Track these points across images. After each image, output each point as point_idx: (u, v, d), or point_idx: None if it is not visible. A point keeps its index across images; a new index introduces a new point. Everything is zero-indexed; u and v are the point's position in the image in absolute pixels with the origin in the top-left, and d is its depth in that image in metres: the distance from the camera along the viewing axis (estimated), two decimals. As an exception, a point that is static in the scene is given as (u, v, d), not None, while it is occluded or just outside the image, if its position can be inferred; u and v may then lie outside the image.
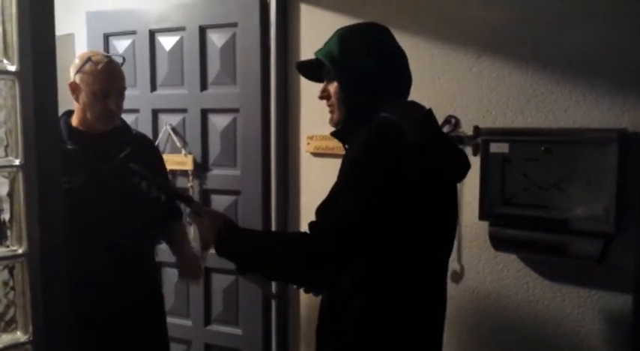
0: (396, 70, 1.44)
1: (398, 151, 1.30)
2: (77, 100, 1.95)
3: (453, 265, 2.25)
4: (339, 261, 1.26)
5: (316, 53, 1.47)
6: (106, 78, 1.93)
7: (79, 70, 1.93)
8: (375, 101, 1.39)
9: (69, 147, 1.92)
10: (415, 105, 1.45)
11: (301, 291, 2.21)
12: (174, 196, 1.80)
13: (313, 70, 1.52)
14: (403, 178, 1.29)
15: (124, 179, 1.97)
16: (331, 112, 1.48)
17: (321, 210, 1.31)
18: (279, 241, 1.40)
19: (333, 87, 1.44)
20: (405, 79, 1.47)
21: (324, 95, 1.48)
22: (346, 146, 1.52)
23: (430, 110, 1.43)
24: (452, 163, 1.46)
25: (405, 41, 2.25)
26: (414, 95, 1.52)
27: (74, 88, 1.94)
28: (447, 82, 2.28)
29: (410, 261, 1.36)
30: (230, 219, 1.48)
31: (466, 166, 1.50)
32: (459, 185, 1.56)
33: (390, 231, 1.29)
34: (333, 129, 1.51)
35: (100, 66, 1.93)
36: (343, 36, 1.44)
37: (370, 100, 1.40)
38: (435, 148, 1.39)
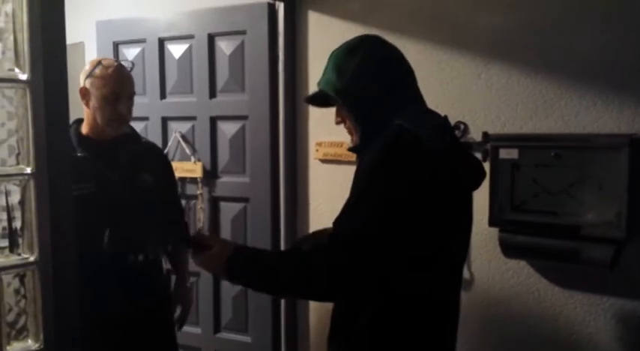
0: (397, 76, 1.42)
1: (413, 158, 1.29)
2: (87, 105, 1.96)
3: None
4: (361, 271, 1.24)
5: (318, 84, 1.47)
6: (116, 81, 1.94)
7: (89, 75, 1.94)
8: (386, 112, 1.38)
9: (78, 154, 1.93)
10: (431, 112, 1.44)
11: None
12: (173, 244, 1.76)
13: (321, 98, 1.51)
14: (419, 185, 1.28)
15: (133, 187, 1.99)
16: (350, 133, 1.47)
17: (339, 222, 1.30)
18: (295, 257, 1.35)
19: (344, 111, 1.44)
20: (407, 81, 1.44)
21: (339, 121, 1.48)
22: (360, 156, 1.51)
23: (446, 117, 1.42)
24: (468, 171, 1.44)
25: (412, 47, 2.27)
26: (422, 101, 1.51)
27: (84, 93, 1.95)
28: (456, 88, 2.27)
29: (425, 268, 1.35)
30: (239, 245, 1.43)
31: (482, 174, 1.48)
32: (468, 191, 1.54)
33: (407, 238, 1.28)
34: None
35: (110, 70, 1.94)
36: (337, 60, 1.43)
37: (381, 112, 1.39)
38: (452, 156, 1.37)
